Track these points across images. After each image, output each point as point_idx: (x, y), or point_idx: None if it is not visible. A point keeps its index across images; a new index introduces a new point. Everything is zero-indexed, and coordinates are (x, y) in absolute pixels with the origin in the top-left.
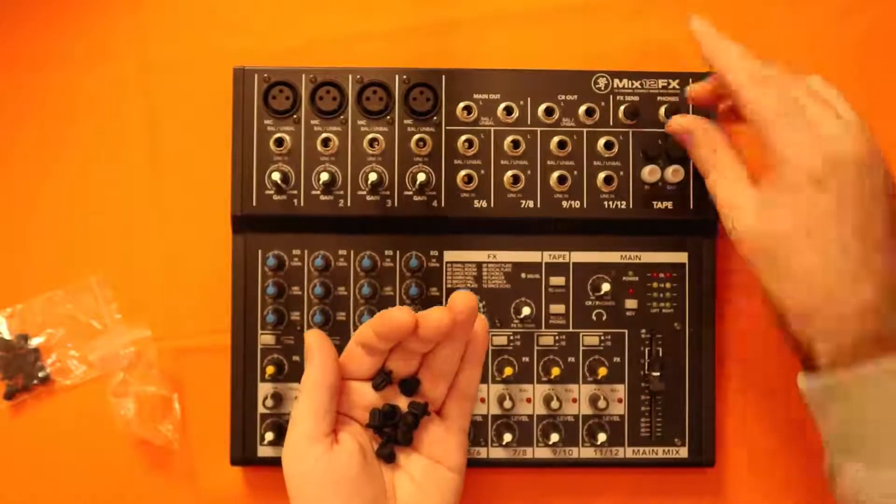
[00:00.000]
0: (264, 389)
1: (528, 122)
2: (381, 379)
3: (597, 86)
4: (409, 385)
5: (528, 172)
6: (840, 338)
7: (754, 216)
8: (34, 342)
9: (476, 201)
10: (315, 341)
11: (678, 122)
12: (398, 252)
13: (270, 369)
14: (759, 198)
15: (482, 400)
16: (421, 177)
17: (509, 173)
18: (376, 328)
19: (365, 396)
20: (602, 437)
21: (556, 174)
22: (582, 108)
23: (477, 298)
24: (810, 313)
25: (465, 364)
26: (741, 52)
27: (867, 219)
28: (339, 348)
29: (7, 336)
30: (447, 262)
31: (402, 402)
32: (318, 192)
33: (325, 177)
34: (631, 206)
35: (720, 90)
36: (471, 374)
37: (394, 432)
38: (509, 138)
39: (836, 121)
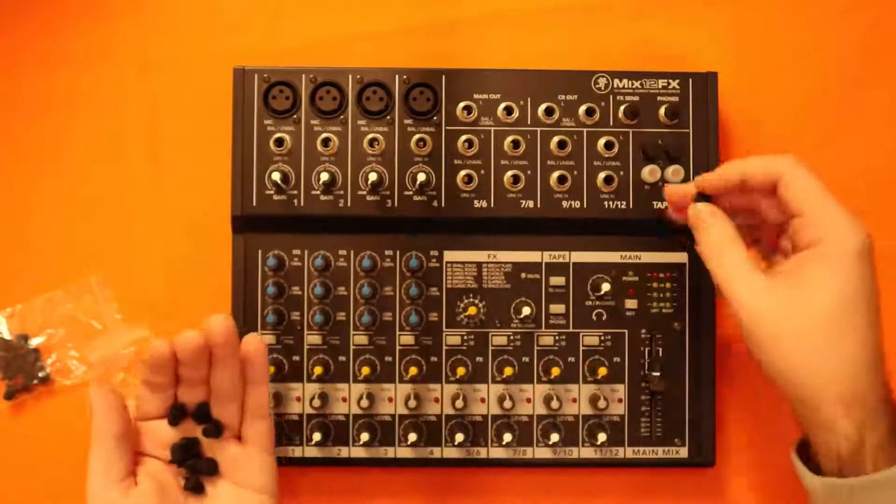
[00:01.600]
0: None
1: (528, 122)
2: (175, 413)
3: (597, 86)
4: (201, 412)
5: (528, 172)
6: (845, 424)
7: (769, 301)
8: (34, 342)
9: (476, 201)
10: (95, 395)
11: (693, 214)
12: (398, 252)
13: (270, 369)
14: (771, 285)
15: (482, 400)
16: (421, 177)
17: (509, 173)
18: (145, 363)
19: (164, 434)
20: (602, 437)
21: (556, 174)
22: (582, 108)
23: (232, 321)
24: (816, 396)
25: (250, 384)
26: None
27: (867, 306)
28: (339, 347)
29: (7, 336)
30: (447, 262)
31: (200, 433)
32: (318, 192)
33: (325, 177)
34: (631, 206)
35: (731, 183)
36: (256, 393)
37: (196, 463)
38: (509, 138)
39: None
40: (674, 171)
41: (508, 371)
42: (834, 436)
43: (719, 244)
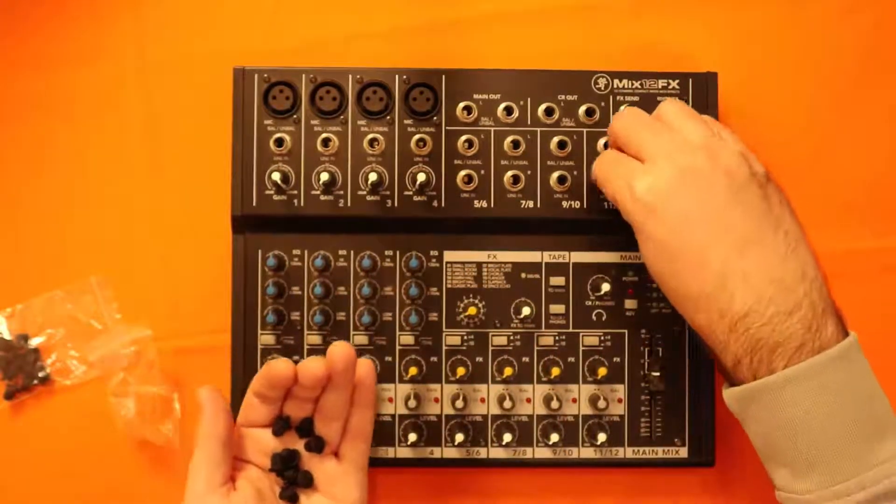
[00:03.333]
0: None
1: (528, 122)
2: (279, 425)
3: (597, 86)
4: (305, 427)
5: (528, 172)
6: (735, 346)
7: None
8: (34, 342)
9: (476, 201)
10: (206, 396)
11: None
12: (398, 252)
13: None
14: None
15: (482, 400)
16: (421, 177)
17: (509, 173)
18: (262, 377)
19: (266, 442)
20: (602, 437)
21: (556, 174)
22: (582, 108)
23: (353, 349)
24: (705, 324)
25: (355, 406)
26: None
27: (719, 219)
28: None
29: (7, 336)
30: (447, 262)
31: (302, 446)
32: (318, 192)
33: (325, 177)
34: None
35: None
36: (361, 415)
37: (294, 475)
38: (509, 138)
39: (658, 145)
40: None
41: (508, 371)
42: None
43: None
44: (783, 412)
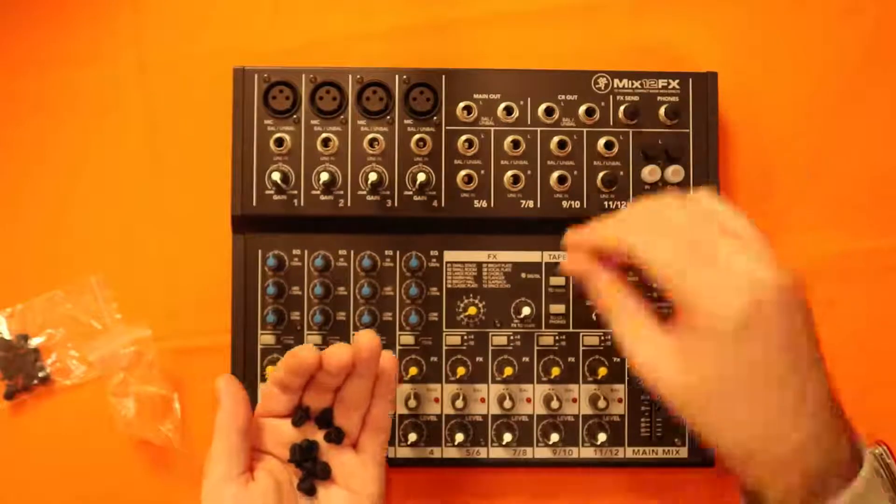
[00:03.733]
0: (264, 389)
1: (528, 122)
2: (300, 415)
3: (597, 86)
4: (324, 417)
5: (528, 172)
6: (789, 478)
7: (676, 370)
8: (34, 342)
9: (476, 201)
10: (224, 386)
11: (569, 267)
12: (398, 252)
13: (270, 369)
14: (676, 347)
15: (482, 400)
16: (421, 177)
17: (509, 173)
18: (286, 365)
19: (284, 433)
20: (602, 437)
21: (556, 174)
22: (582, 108)
23: (379, 338)
24: (751, 458)
25: (376, 398)
26: (617, 221)
27: (796, 356)
28: None
29: (7, 336)
30: (447, 262)
31: (321, 437)
32: (318, 192)
33: (325, 177)
34: None
35: (599, 251)
36: (382, 407)
37: (313, 466)
38: (509, 138)
39: (745, 255)
40: (674, 171)
41: (508, 371)
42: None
43: (631, 329)
44: None
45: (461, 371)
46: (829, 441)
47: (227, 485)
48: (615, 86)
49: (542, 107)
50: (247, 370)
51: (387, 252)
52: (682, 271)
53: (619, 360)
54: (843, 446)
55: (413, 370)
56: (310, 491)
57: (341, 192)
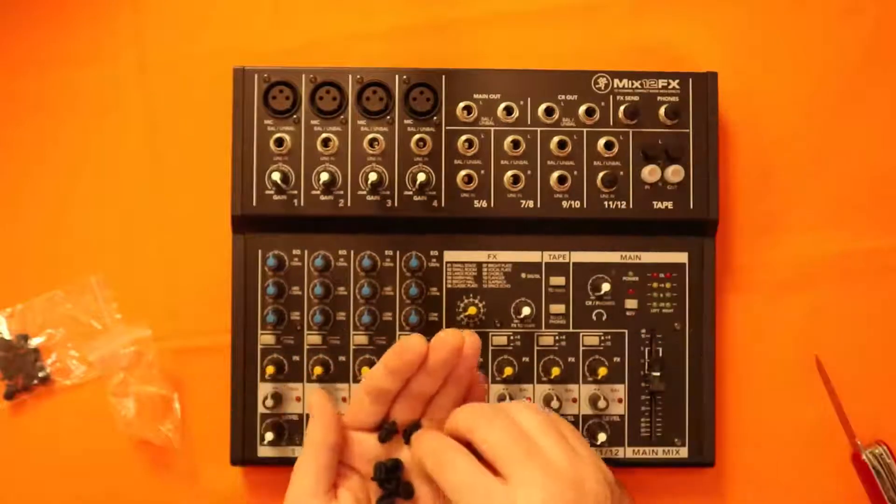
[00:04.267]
0: (264, 389)
1: (528, 122)
2: (386, 431)
3: (597, 86)
4: (413, 432)
5: (528, 172)
6: None
7: None
8: (34, 342)
9: (476, 201)
10: (317, 400)
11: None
12: (398, 252)
13: (270, 369)
14: None
15: None
16: (421, 177)
17: (509, 173)
18: (389, 363)
19: (369, 448)
20: (602, 437)
21: (556, 174)
22: (582, 108)
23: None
24: None
25: None
26: (433, 439)
27: None
28: (339, 347)
29: (7, 336)
30: (447, 262)
31: (405, 455)
32: (318, 192)
33: (325, 177)
34: (631, 206)
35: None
36: None
37: (396, 487)
38: (509, 138)
39: (530, 475)
40: (674, 171)
41: (508, 371)
42: None
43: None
44: None
45: None
46: None
47: (311, 501)
48: (615, 86)
49: (542, 107)
50: (247, 370)
51: (387, 252)
52: (469, 500)
53: (618, 359)
54: None
55: None
56: None
57: (341, 192)
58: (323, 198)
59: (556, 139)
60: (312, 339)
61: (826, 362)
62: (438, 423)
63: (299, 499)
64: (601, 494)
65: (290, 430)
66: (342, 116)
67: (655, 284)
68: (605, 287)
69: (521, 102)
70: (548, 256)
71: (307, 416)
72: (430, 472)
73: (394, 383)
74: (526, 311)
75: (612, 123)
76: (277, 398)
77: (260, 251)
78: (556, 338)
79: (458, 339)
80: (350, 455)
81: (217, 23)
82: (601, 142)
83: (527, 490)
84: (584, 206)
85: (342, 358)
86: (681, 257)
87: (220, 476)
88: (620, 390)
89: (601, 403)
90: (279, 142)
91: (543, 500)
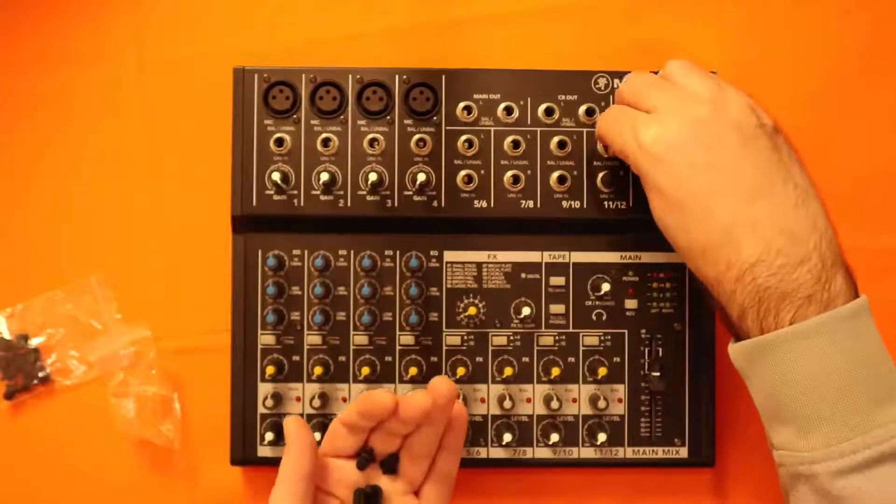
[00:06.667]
0: (264, 389)
1: (528, 122)
2: (364, 458)
3: (597, 86)
4: (390, 463)
5: (528, 172)
6: (741, 297)
7: (653, 208)
8: (34, 342)
9: (476, 201)
10: (293, 430)
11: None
12: (398, 252)
13: (270, 369)
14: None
15: (482, 400)
16: (421, 177)
17: (509, 173)
18: (359, 408)
19: (348, 474)
20: (602, 437)
21: (556, 174)
22: (582, 108)
23: (454, 385)
24: (712, 275)
25: (444, 449)
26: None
27: (730, 171)
28: (339, 347)
29: (7, 336)
30: (447, 262)
31: (384, 482)
32: (318, 192)
33: (325, 177)
34: (631, 206)
35: None
36: (450, 458)
37: None
38: (509, 138)
39: (670, 98)
40: None
41: (508, 371)
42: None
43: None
44: (792, 367)
45: (461, 371)
46: (787, 265)
47: None
48: (615, 86)
49: (542, 107)
50: (247, 370)
51: (387, 252)
52: (610, 128)
53: (618, 359)
54: (810, 273)
55: (413, 370)
56: None
57: (341, 192)
58: (323, 198)
59: (556, 139)
60: (312, 339)
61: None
62: (417, 457)
63: None
64: (747, 121)
65: None
66: (342, 116)
67: (655, 284)
68: (605, 287)
69: (521, 102)
70: (548, 256)
71: (307, 416)
72: (596, 134)
73: (365, 423)
74: (526, 311)
75: None
76: (277, 398)
77: (260, 251)
78: (556, 338)
79: (426, 403)
80: (329, 482)
81: (217, 23)
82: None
83: (667, 112)
84: (584, 206)
85: (342, 358)
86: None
87: (220, 476)
88: (620, 390)
89: (601, 403)
90: (279, 142)
91: (684, 117)
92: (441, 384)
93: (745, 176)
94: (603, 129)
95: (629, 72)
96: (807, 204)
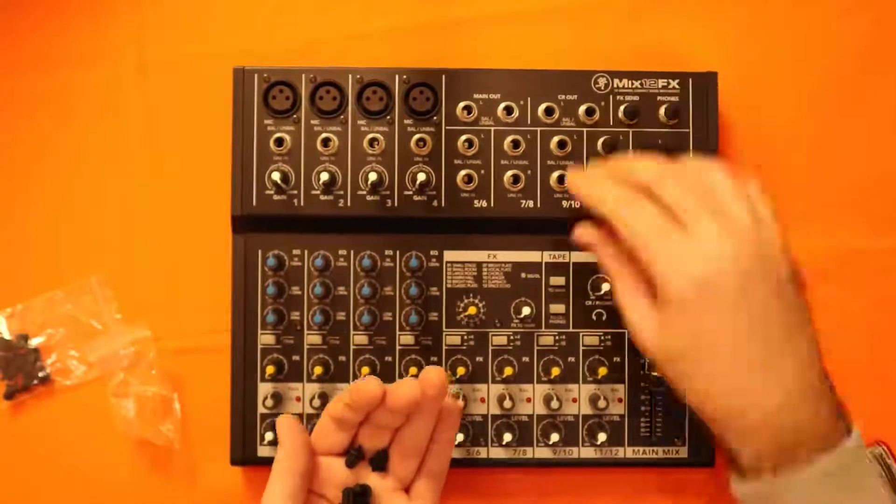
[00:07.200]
0: (264, 389)
1: (528, 122)
2: (353, 456)
3: (597, 86)
4: (380, 460)
5: (528, 172)
6: (759, 444)
7: (655, 336)
8: (34, 342)
9: (476, 201)
10: (286, 428)
11: (580, 236)
12: (398, 252)
13: (270, 369)
14: (657, 318)
15: (482, 400)
16: (421, 177)
17: (509, 173)
18: (347, 399)
19: (336, 473)
20: (602, 436)
21: (556, 174)
22: (582, 108)
23: (447, 376)
24: (725, 420)
25: (435, 444)
26: (612, 183)
27: (760, 325)
28: (339, 347)
29: (7, 336)
30: (447, 262)
31: (373, 480)
32: (318, 192)
33: (325, 177)
34: None
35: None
36: (440, 453)
37: None
38: (509, 138)
39: (713, 224)
40: None
41: (508, 371)
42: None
43: (614, 268)
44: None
45: (461, 371)
46: (805, 412)
47: None
48: (615, 86)
49: (542, 107)
50: (247, 370)
51: (387, 252)
52: (647, 241)
53: (618, 359)
54: (822, 418)
55: (413, 370)
56: None
57: (341, 192)
58: (323, 198)
59: (556, 139)
60: (312, 339)
61: (825, 361)
62: (408, 452)
63: None
64: (780, 263)
65: None
66: (342, 116)
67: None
68: (605, 287)
69: (521, 102)
70: (548, 256)
71: (307, 416)
72: (608, 214)
73: (355, 416)
74: (526, 310)
75: (612, 123)
76: (277, 398)
77: (260, 251)
78: (556, 337)
79: (415, 393)
80: (318, 481)
81: (217, 23)
82: (601, 142)
83: (705, 239)
84: (584, 205)
85: (342, 358)
86: None
87: (220, 476)
88: (620, 390)
89: (601, 403)
90: (279, 142)
91: (719, 252)
92: (432, 374)
93: (776, 323)
94: (632, 227)
95: (629, 72)
96: (814, 343)
